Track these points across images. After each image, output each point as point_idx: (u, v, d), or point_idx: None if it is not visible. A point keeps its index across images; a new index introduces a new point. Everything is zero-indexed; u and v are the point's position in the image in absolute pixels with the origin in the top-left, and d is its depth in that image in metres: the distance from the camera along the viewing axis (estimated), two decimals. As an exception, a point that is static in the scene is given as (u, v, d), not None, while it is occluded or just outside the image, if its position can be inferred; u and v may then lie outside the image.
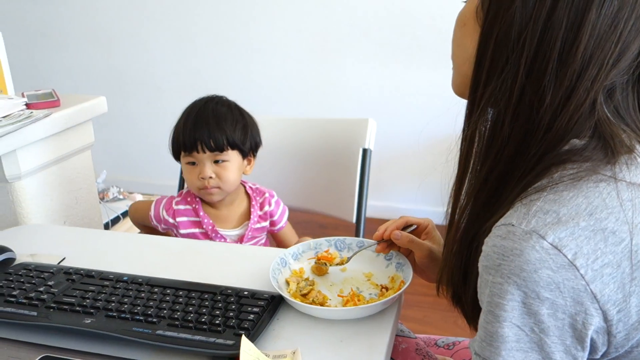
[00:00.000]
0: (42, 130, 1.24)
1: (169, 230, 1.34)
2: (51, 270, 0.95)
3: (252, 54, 2.82)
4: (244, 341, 0.74)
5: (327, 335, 0.81)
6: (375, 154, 1.46)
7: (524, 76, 0.58)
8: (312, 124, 1.52)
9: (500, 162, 0.62)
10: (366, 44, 2.66)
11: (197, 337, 0.77)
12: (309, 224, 2.85)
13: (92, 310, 0.83)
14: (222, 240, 1.30)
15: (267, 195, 1.34)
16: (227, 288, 0.88)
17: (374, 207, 2.69)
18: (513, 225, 0.55)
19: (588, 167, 0.57)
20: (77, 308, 0.84)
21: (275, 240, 1.41)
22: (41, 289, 0.89)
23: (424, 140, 2.74)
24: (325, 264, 0.94)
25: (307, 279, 0.93)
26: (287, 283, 0.91)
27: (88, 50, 3.04)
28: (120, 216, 2.05)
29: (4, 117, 1.19)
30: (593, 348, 0.56)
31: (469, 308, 0.67)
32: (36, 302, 0.85)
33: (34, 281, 0.91)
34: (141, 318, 0.81)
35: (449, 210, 0.70)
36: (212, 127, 1.20)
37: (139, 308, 0.83)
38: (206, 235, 1.29)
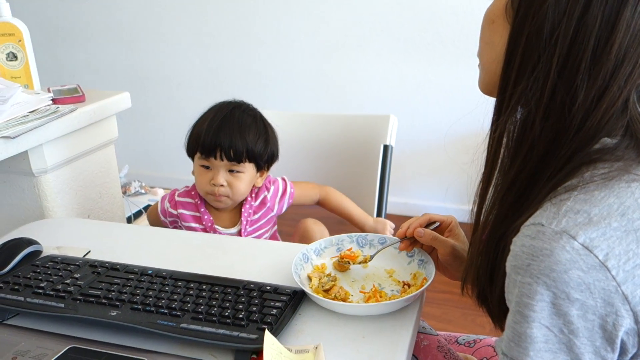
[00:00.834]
0: (67, 125, 1.26)
1: (176, 225, 1.34)
2: (77, 263, 0.96)
3: (271, 50, 2.82)
4: (267, 336, 0.74)
5: (349, 331, 0.82)
6: (396, 150, 1.46)
7: (556, 75, 0.57)
8: (333, 120, 1.52)
9: (529, 162, 0.61)
10: (387, 39, 2.65)
11: (221, 331, 0.77)
12: (329, 219, 2.85)
13: (117, 303, 0.84)
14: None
15: (262, 185, 1.31)
16: (249, 282, 0.89)
17: (394, 203, 2.69)
18: (543, 225, 0.55)
19: (620, 167, 0.56)
20: (103, 300, 0.85)
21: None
22: (68, 281, 0.90)
23: (445, 137, 2.73)
24: (348, 263, 0.94)
25: (329, 275, 0.93)
26: (309, 278, 0.92)
27: (110, 46, 3.07)
28: (143, 210, 2.07)
29: (30, 112, 1.21)
30: (623, 350, 0.56)
31: (495, 308, 0.67)
32: (63, 294, 0.87)
33: (60, 273, 0.93)
34: (165, 311, 0.82)
35: (475, 209, 0.70)
36: (235, 136, 1.19)
37: (163, 301, 0.84)
38: (205, 232, 1.29)
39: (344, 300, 0.87)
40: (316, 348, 0.78)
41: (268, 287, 0.87)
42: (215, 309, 0.82)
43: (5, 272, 0.98)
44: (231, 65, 2.89)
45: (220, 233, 1.29)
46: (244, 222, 1.27)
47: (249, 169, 1.22)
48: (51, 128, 1.22)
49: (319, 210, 1.54)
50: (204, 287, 0.88)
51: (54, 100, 1.30)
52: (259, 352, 0.75)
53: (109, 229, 1.19)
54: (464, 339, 1.08)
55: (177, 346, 0.79)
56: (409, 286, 0.90)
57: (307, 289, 0.86)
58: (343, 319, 0.84)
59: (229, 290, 0.87)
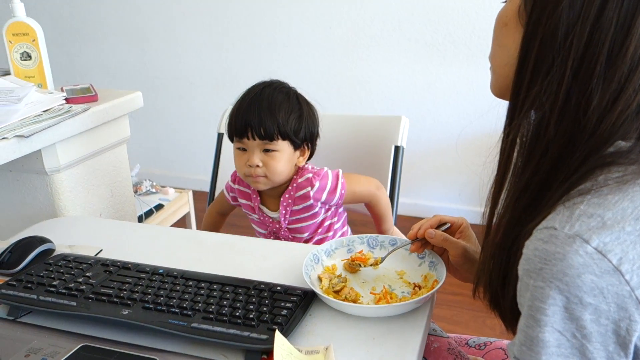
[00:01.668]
0: (80, 125, 1.27)
1: (236, 201, 1.35)
2: (89, 262, 0.97)
3: (282, 50, 2.83)
4: (278, 336, 0.74)
5: (360, 332, 0.82)
6: (406, 151, 1.45)
7: (571, 78, 0.57)
8: (345, 120, 1.52)
9: (543, 165, 0.60)
10: (399, 40, 2.64)
11: (231, 331, 0.78)
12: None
13: (129, 302, 0.85)
14: (266, 218, 1.28)
15: (307, 177, 1.24)
16: (260, 283, 0.89)
17: (404, 204, 2.68)
18: (555, 228, 0.54)
19: (634, 170, 0.56)
20: (115, 299, 0.85)
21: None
22: (80, 279, 0.91)
23: (456, 138, 2.72)
24: (360, 265, 0.94)
25: (339, 276, 0.93)
26: (320, 279, 0.92)
27: (122, 46, 3.09)
28: (154, 209, 2.09)
29: (44, 111, 1.22)
30: (636, 355, 0.55)
31: (508, 312, 0.67)
32: (75, 293, 0.88)
33: (73, 272, 0.94)
34: (177, 310, 0.82)
35: (487, 212, 0.69)
36: (264, 114, 1.16)
37: (174, 301, 0.84)
38: (253, 210, 1.29)
39: (354, 301, 0.87)
40: (326, 349, 0.78)
41: (278, 288, 0.87)
42: (226, 309, 0.82)
43: (18, 270, 0.99)
44: (242, 65, 2.90)
45: (264, 214, 1.28)
46: (282, 212, 1.25)
47: (284, 147, 1.18)
48: (64, 127, 1.23)
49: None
50: (215, 287, 0.88)
51: (67, 100, 1.31)
52: (269, 353, 0.75)
53: (121, 228, 1.20)
54: (474, 342, 1.08)
55: (188, 345, 0.79)
56: (420, 288, 0.90)
57: (318, 290, 0.86)
58: (353, 320, 0.84)
59: (240, 290, 0.87)
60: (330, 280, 0.91)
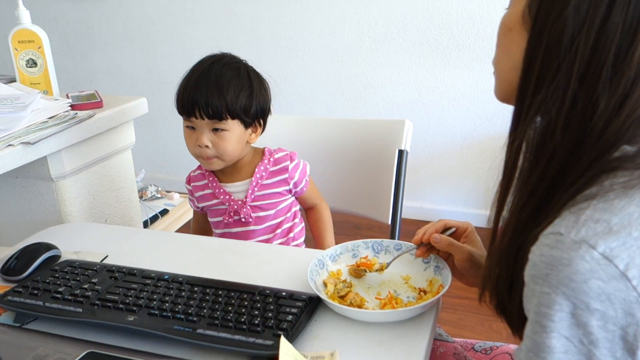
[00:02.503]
0: (86, 131, 1.28)
1: (201, 208, 1.30)
2: (95, 268, 0.97)
3: (288, 54, 2.83)
4: (283, 342, 0.74)
5: (365, 337, 0.81)
6: (410, 154, 1.45)
7: (577, 83, 0.56)
8: (349, 125, 1.52)
9: (549, 171, 0.60)
10: (403, 43, 2.64)
11: (237, 337, 0.78)
12: (344, 224, 2.85)
13: (134, 308, 0.85)
14: (227, 196, 1.24)
15: (286, 153, 1.25)
16: (265, 288, 0.89)
17: (408, 207, 2.68)
18: (561, 234, 0.54)
19: None
20: (120, 305, 0.86)
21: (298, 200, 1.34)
22: (86, 286, 0.91)
23: (460, 141, 2.72)
24: (365, 271, 0.94)
25: (344, 281, 0.93)
26: (325, 284, 0.91)
27: (127, 52, 3.10)
28: (159, 214, 2.09)
29: (50, 118, 1.23)
30: None
31: (515, 317, 0.66)
32: (81, 299, 0.88)
33: (78, 278, 0.94)
34: (182, 317, 0.82)
35: (492, 218, 0.69)
36: (212, 92, 1.11)
37: (180, 307, 0.84)
38: (213, 195, 1.25)
39: (359, 306, 0.86)
40: (332, 355, 0.77)
41: (284, 293, 0.87)
42: (232, 314, 0.82)
43: (24, 276, 0.99)
44: (246, 69, 2.90)
45: (225, 191, 1.24)
46: (254, 184, 1.22)
47: (234, 126, 1.14)
48: (70, 134, 1.23)
49: (334, 215, 1.54)
50: (220, 292, 0.88)
51: (73, 106, 1.32)
52: (275, 358, 0.75)
53: (126, 233, 1.20)
54: (480, 346, 1.07)
55: (194, 351, 0.79)
56: (425, 293, 0.90)
57: (323, 295, 0.85)
58: (358, 325, 0.83)
59: (245, 296, 0.87)
60: (335, 285, 0.90)
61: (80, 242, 1.14)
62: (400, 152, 1.40)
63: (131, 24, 3.04)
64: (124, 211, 1.50)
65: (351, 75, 2.77)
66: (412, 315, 0.83)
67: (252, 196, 1.23)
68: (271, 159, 1.23)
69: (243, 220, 1.24)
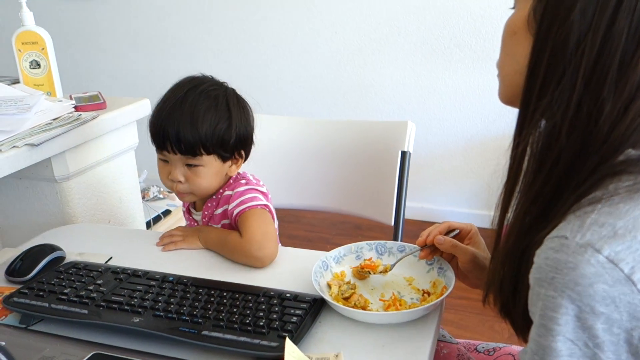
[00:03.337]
0: (89, 132, 1.28)
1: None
2: (99, 269, 0.98)
3: (288, 55, 2.84)
4: (288, 343, 0.75)
5: (369, 339, 0.82)
6: (412, 155, 1.45)
7: (583, 87, 0.57)
8: (351, 126, 1.53)
9: (554, 174, 0.60)
10: (404, 44, 2.65)
11: (242, 339, 0.78)
12: (345, 224, 2.86)
13: (139, 310, 0.85)
14: (194, 223, 1.19)
15: (242, 182, 1.12)
16: (269, 290, 0.89)
17: (409, 208, 2.68)
18: (567, 238, 0.55)
19: None
20: (126, 307, 0.86)
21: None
22: (91, 287, 0.92)
23: (461, 142, 2.72)
24: (369, 272, 0.94)
25: (348, 283, 0.93)
26: (329, 286, 0.92)
27: (128, 52, 3.11)
28: (161, 215, 2.09)
29: (53, 119, 1.23)
30: None
31: (519, 319, 0.67)
32: (86, 301, 0.88)
33: (83, 280, 0.94)
34: (187, 318, 0.83)
35: (496, 221, 0.70)
36: (185, 125, 1.01)
37: (185, 308, 0.85)
38: (185, 215, 1.21)
39: (363, 308, 0.87)
40: (336, 356, 0.78)
41: (288, 295, 0.87)
42: (236, 316, 0.82)
43: (29, 278, 0.99)
44: (248, 71, 2.90)
45: (193, 218, 1.19)
46: (205, 213, 1.14)
47: (209, 161, 1.05)
48: (73, 135, 1.24)
49: (335, 215, 1.54)
50: (225, 294, 0.88)
51: (76, 108, 1.32)
52: (280, 360, 0.76)
53: (130, 235, 1.21)
54: (483, 347, 1.08)
55: (199, 353, 0.79)
56: (429, 294, 0.90)
57: (327, 297, 0.86)
58: (363, 327, 0.84)
59: (250, 297, 0.87)
60: (339, 287, 0.91)
61: (84, 243, 1.14)
62: (403, 154, 1.40)
63: (133, 26, 3.04)
64: (127, 212, 1.50)
65: (352, 76, 2.78)
66: (416, 316, 0.84)
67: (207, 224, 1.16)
68: (220, 197, 1.12)
69: None
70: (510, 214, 0.68)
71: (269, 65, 2.89)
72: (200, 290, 0.90)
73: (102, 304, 0.87)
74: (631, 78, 0.55)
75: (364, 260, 0.98)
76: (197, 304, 0.86)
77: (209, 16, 2.90)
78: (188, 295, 0.89)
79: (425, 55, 2.63)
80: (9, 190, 1.33)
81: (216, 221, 1.13)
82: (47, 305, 0.88)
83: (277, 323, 0.80)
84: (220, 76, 1.16)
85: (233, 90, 1.12)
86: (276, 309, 0.84)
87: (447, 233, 0.93)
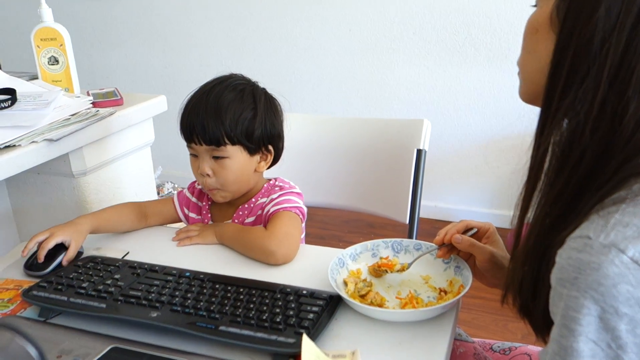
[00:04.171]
0: (106, 128, 1.29)
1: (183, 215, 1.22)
2: (117, 264, 0.98)
3: (303, 52, 2.83)
4: (305, 340, 0.75)
5: (386, 337, 0.82)
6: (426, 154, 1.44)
7: (607, 86, 0.56)
8: (367, 124, 1.52)
9: (577, 174, 0.60)
10: (419, 42, 2.64)
11: (259, 334, 0.78)
12: (357, 222, 2.86)
13: (157, 304, 0.86)
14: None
15: (276, 188, 1.13)
16: (286, 286, 0.89)
17: (423, 207, 2.66)
18: (590, 238, 0.54)
19: None
20: (143, 302, 0.87)
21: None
22: (109, 282, 0.92)
23: (475, 140, 2.70)
24: (386, 271, 0.94)
25: (364, 280, 0.93)
26: (345, 283, 0.92)
27: (143, 49, 3.12)
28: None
29: (72, 115, 1.24)
30: None
31: (539, 320, 0.66)
32: (104, 295, 0.89)
33: (101, 274, 0.95)
34: (204, 314, 0.83)
35: (516, 221, 0.69)
36: (209, 117, 1.03)
37: (201, 304, 0.85)
38: (200, 221, 1.19)
39: (380, 306, 0.87)
40: (353, 353, 0.78)
41: (304, 292, 0.87)
42: (253, 312, 0.82)
43: (47, 272, 1.00)
44: (263, 68, 2.91)
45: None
46: (236, 222, 1.14)
47: (235, 153, 1.06)
48: (91, 131, 1.24)
49: (348, 213, 1.54)
50: (242, 290, 0.89)
51: (94, 104, 1.33)
52: (296, 356, 0.76)
53: (146, 230, 1.21)
54: (498, 347, 1.07)
55: (216, 348, 0.80)
56: (446, 293, 0.90)
57: (344, 294, 0.86)
58: (379, 324, 0.84)
59: (266, 294, 0.87)
60: (355, 284, 0.91)
61: (100, 238, 1.15)
62: (419, 152, 1.40)
63: (147, 21, 3.06)
64: (142, 208, 1.51)
65: (366, 73, 2.77)
66: (434, 315, 0.83)
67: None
68: (257, 200, 1.13)
69: None
70: (530, 214, 0.68)
71: (283, 62, 2.89)
72: (217, 285, 0.90)
73: (120, 298, 0.88)
74: None
75: (381, 258, 0.98)
76: (213, 299, 0.86)
77: (223, 14, 2.90)
78: (205, 290, 0.89)
79: (440, 54, 2.62)
80: (27, 185, 1.34)
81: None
82: (65, 299, 0.89)
83: (294, 319, 0.80)
84: (228, 72, 1.17)
85: (263, 88, 1.14)
86: (293, 305, 0.84)
87: (465, 232, 0.92)
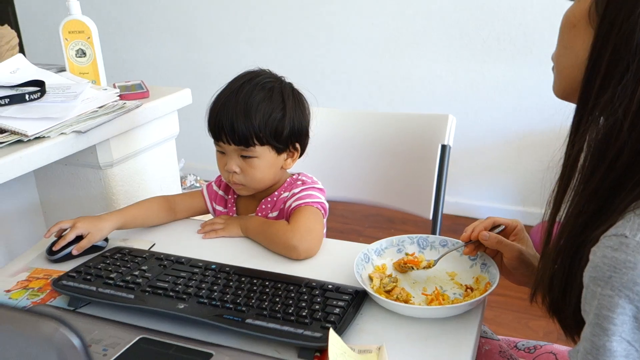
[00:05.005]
0: (133, 121, 1.30)
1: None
2: (144, 255, 1.00)
3: (326, 45, 2.83)
4: (332, 335, 0.75)
5: (412, 332, 0.82)
6: (449, 149, 1.43)
7: None
8: (391, 118, 1.52)
9: (613, 171, 0.59)
10: (442, 36, 2.61)
11: (285, 328, 0.79)
12: (378, 217, 2.85)
13: (184, 296, 0.87)
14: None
15: (298, 183, 1.14)
16: (311, 281, 0.89)
17: (445, 202, 2.66)
18: (626, 236, 0.53)
19: None
20: (171, 293, 0.87)
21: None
22: (136, 273, 0.93)
23: (498, 136, 2.68)
24: (412, 268, 0.93)
25: (390, 276, 0.93)
26: (370, 278, 0.92)
27: (167, 41, 3.14)
28: (197, 204, 2.11)
29: (99, 107, 1.25)
30: None
31: (570, 319, 0.66)
32: (132, 286, 0.90)
33: (128, 265, 0.96)
34: (231, 306, 0.83)
35: (548, 218, 0.68)
36: (239, 117, 1.03)
37: (228, 296, 0.86)
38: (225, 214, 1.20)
39: (405, 301, 0.87)
40: (379, 349, 0.78)
41: (330, 286, 0.88)
42: (279, 306, 0.83)
43: (56, 257, 1.03)
44: (286, 62, 2.91)
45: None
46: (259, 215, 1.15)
47: (264, 152, 1.06)
48: (118, 123, 1.26)
49: (368, 208, 1.53)
50: (267, 283, 0.89)
51: (121, 96, 1.34)
52: (322, 351, 0.76)
53: (172, 222, 1.22)
54: (523, 345, 1.06)
55: (242, 341, 0.80)
56: (472, 290, 0.89)
57: (369, 289, 0.86)
58: (404, 320, 0.84)
59: (292, 287, 0.88)
60: (381, 280, 0.91)
61: (127, 230, 1.16)
62: (443, 147, 1.39)
63: (171, 14, 3.07)
64: (166, 200, 1.52)
65: (389, 67, 2.75)
66: (460, 312, 0.83)
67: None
68: (281, 194, 1.13)
69: None
70: (562, 211, 0.67)
71: (307, 57, 2.89)
72: (243, 278, 0.91)
73: (147, 289, 0.89)
74: None
75: (406, 254, 0.97)
76: (240, 292, 0.87)
77: (245, 5, 2.91)
78: (231, 283, 0.90)
79: (464, 48, 2.60)
80: (54, 177, 1.36)
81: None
82: (94, 289, 0.90)
83: (319, 314, 0.81)
84: (257, 66, 1.16)
85: (290, 84, 1.14)
86: (318, 299, 0.84)
87: (492, 229, 0.92)
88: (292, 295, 0.86)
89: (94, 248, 1.05)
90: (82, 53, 1.41)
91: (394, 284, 0.90)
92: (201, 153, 3.24)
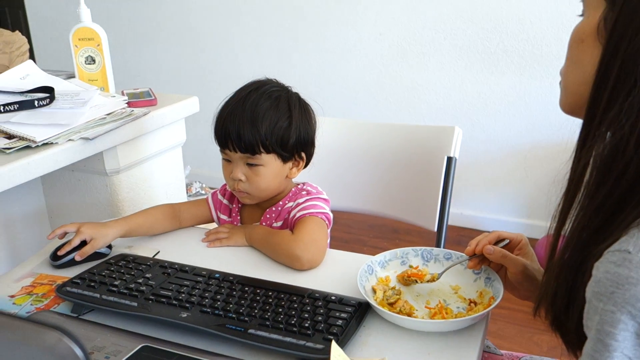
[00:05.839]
0: (140, 128, 1.31)
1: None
2: (148, 263, 1.00)
3: (334, 56, 2.84)
4: (334, 347, 0.75)
5: (414, 346, 0.81)
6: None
7: None
8: (397, 129, 1.52)
9: (618, 188, 0.59)
10: (449, 48, 2.62)
11: (287, 339, 0.79)
12: (382, 227, 2.85)
13: (187, 305, 0.87)
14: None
15: (303, 193, 1.14)
16: (314, 292, 0.89)
17: (450, 214, 2.65)
18: (629, 252, 0.53)
19: None
20: (174, 302, 0.88)
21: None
22: (140, 280, 0.94)
23: (504, 149, 2.67)
24: (416, 281, 0.93)
25: (393, 288, 0.93)
26: (374, 291, 0.92)
27: (175, 48, 3.16)
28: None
29: (107, 114, 1.26)
30: None
31: (572, 334, 0.65)
32: (136, 293, 0.90)
33: (132, 272, 0.96)
34: (234, 316, 0.83)
35: (552, 232, 0.68)
36: (245, 125, 1.04)
37: (231, 306, 0.86)
38: (229, 223, 1.20)
39: (408, 314, 0.86)
40: (381, 362, 0.78)
41: (333, 297, 0.87)
42: (282, 316, 0.83)
43: (59, 263, 1.03)
44: (293, 71, 2.92)
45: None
46: (263, 224, 1.15)
47: (269, 161, 1.07)
48: (125, 130, 1.26)
49: (373, 218, 1.53)
50: (270, 293, 0.89)
51: (129, 103, 1.35)
52: (325, 362, 0.76)
53: (176, 230, 1.22)
54: (526, 360, 1.06)
55: (245, 351, 0.80)
56: (475, 304, 0.89)
57: (372, 302, 0.86)
58: (407, 333, 0.83)
59: (295, 298, 0.88)
60: (384, 292, 0.91)
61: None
62: (449, 159, 1.39)
63: (179, 21, 3.09)
64: (171, 207, 1.53)
65: (396, 78, 2.76)
66: (464, 326, 0.83)
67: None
68: (285, 204, 1.13)
69: None
70: (567, 226, 0.67)
71: (315, 66, 2.90)
72: (246, 288, 0.91)
73: (151, 297, 0.89)
74: None
75: (410, 267, 0.97)
76: (243, 302, 0.87)
77: (253, 14, 2.92)
78: (234, 292, 0.90)
79: (471, 60, 2.60)
80: (61, 183, 1.37)
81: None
82: (98, 296, 0.90)
83: (322, 325, 0.80)
84: (264, 74, 1.17)
85: (296, 94, 1.14)
86: (321, 311, 0.84)
87: (497, 243, 0.91)
88: (295, 305, 0.86)
89: (97, 255, 1.06)
90: (91, 60, 1.42)
91: (398, 296, 0.90)
92: (207, 160, 3.25)
